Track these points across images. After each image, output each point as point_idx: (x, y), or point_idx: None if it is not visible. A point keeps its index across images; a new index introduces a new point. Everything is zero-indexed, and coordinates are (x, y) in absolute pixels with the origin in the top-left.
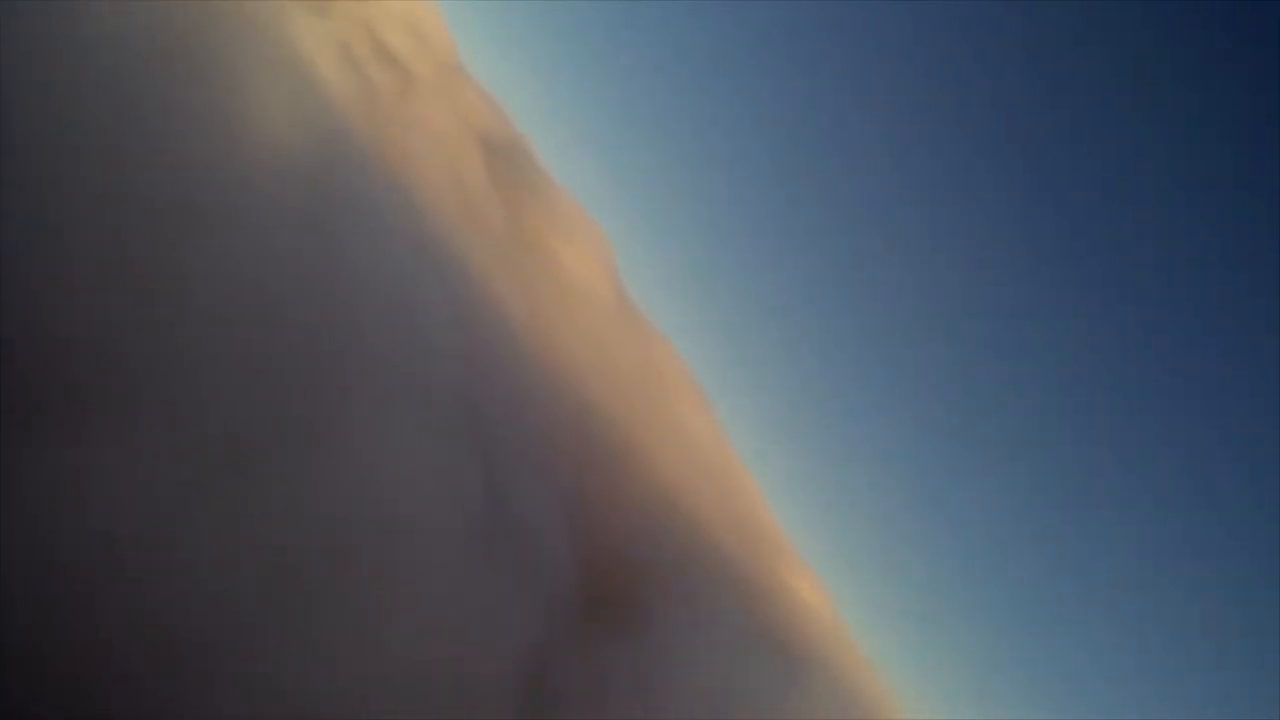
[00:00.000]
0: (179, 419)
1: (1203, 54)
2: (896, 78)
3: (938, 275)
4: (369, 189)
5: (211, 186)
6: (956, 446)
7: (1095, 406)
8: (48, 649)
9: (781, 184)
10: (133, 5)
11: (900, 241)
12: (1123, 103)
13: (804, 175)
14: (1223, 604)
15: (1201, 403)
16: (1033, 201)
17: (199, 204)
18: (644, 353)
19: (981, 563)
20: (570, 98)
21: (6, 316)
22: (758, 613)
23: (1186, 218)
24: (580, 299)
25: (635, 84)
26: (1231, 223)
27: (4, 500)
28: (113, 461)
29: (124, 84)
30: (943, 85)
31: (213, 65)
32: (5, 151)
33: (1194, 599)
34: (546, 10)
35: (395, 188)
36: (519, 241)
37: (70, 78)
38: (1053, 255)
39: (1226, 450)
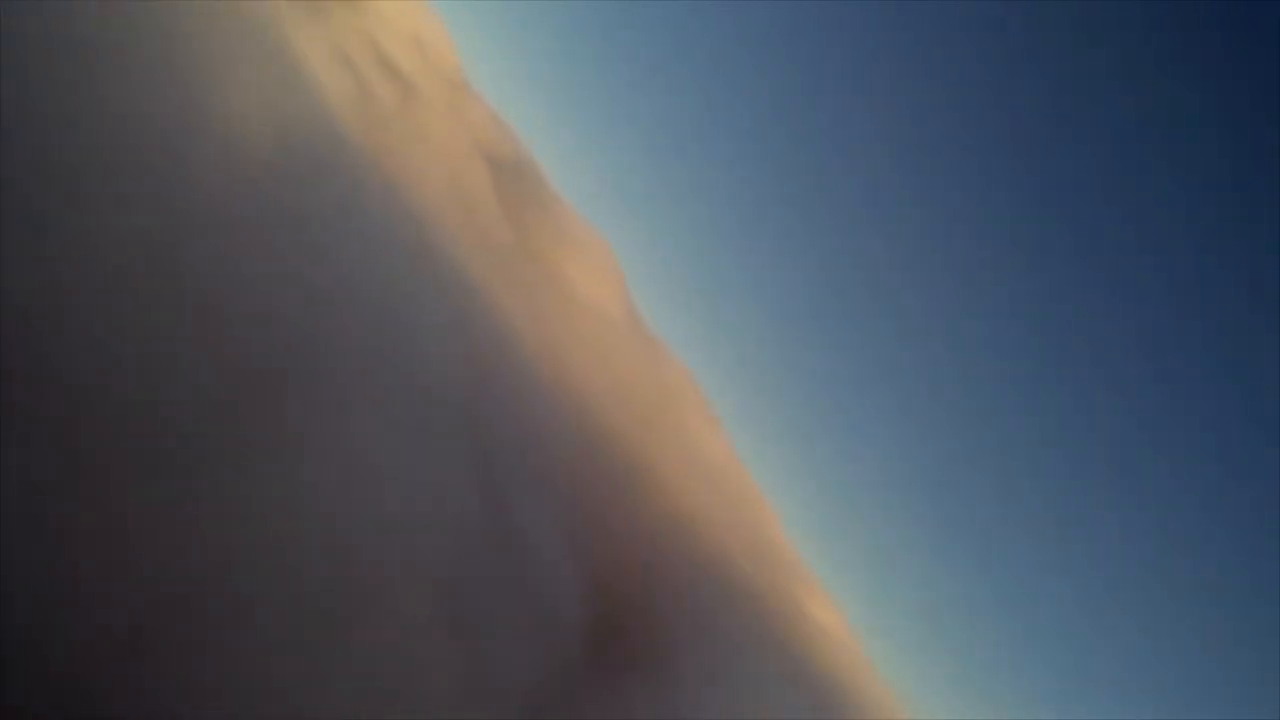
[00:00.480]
0: (161, 419)
1: (1203, 54)
2: (911, 97)
3: (955, 289)
4: (364, 195)
5: (201, 186)
6: (971, 457)
7: (1124, 426)
8: (45, 649)
9: (794, 201)
10: (130, 6)
11: (917, 257)
12: (1125, 102)
13: (818, 191)
14: (1231, 606)
15: (1204, 403)
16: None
17: (189, 205)
18: (655, 370)
19: (998, 577)
20: (577, 116)
21: None
22: (778, 642)
23: (1187, 218)
24: (590, 315)
25: (644, 101)
26: (1232, 222)
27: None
28: (100, 461)
29: (118, 84)
30: (976, 103)
31: (206, 66)
32: None
33: (1214, 606)
34: (552, 29)
35: (394, 197)
36: (526, 257)
37: (63, 78)
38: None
39: (1230, 451)
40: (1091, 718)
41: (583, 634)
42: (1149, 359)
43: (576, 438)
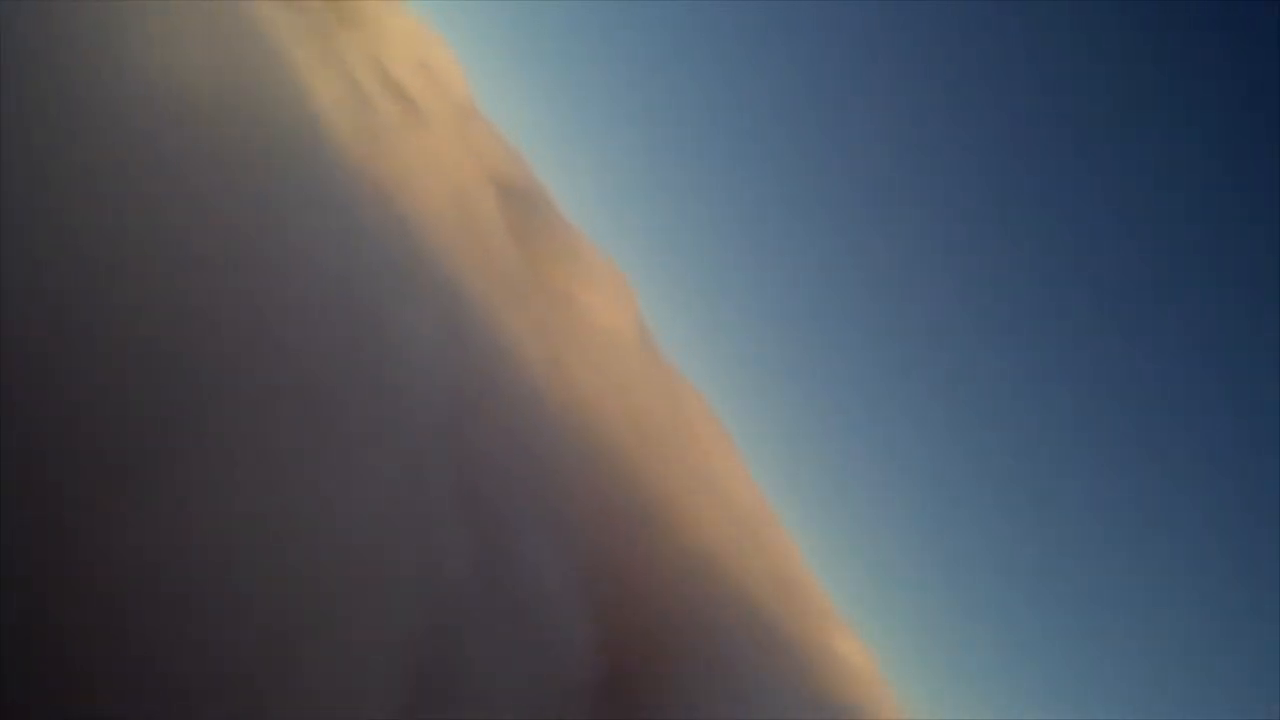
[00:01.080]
0: (159, 420)
1: (1203, 54)
2: (911, 97)
3: (967, 309)
4: (359, 206)
5: (191, 186)
6: (972, 459)
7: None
8: (45, 648)
9: (795, 201)
10: (128, 6)
11: (928, 277)
12: (1126, 102)
13: (818, 195)
14: (1231, 606)
15: (1203, 403)
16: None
17: (178, 205)
18: (672, 399)
19: (998, 577)
20: (587, 141)
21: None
22: (805, 685)
23: (1187, 218)
24: (601, 340)
25: (652, 115)
26: (1232, 223)
27: None
28: (99, 461)
29: (106, 84)
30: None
31: (199, 68)
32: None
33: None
34: (561, 54)
35: (390, 212)
36: (535, 281)
37: (50, 79)
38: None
39: (1230, 451)
40: (1093, 718)
41: (592, 681)
42: (1149, 359)
43: (586, 466)
